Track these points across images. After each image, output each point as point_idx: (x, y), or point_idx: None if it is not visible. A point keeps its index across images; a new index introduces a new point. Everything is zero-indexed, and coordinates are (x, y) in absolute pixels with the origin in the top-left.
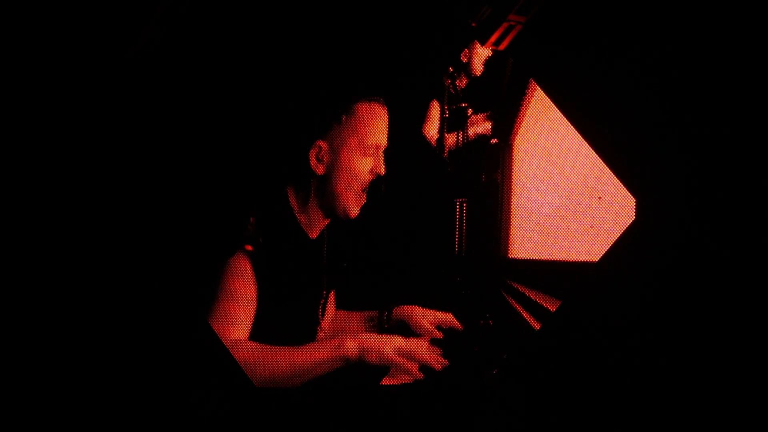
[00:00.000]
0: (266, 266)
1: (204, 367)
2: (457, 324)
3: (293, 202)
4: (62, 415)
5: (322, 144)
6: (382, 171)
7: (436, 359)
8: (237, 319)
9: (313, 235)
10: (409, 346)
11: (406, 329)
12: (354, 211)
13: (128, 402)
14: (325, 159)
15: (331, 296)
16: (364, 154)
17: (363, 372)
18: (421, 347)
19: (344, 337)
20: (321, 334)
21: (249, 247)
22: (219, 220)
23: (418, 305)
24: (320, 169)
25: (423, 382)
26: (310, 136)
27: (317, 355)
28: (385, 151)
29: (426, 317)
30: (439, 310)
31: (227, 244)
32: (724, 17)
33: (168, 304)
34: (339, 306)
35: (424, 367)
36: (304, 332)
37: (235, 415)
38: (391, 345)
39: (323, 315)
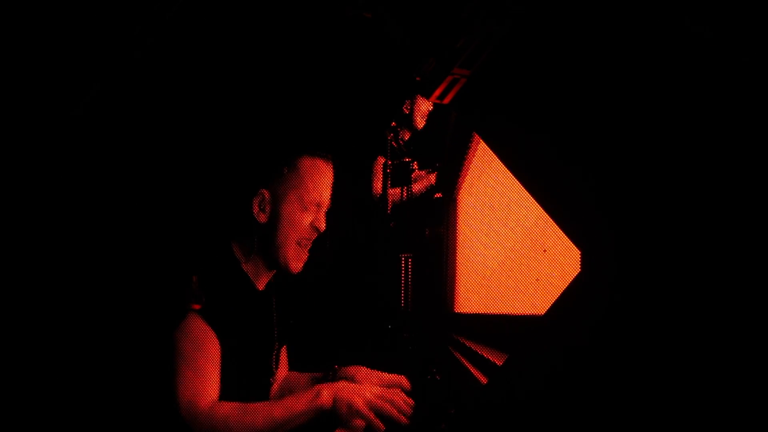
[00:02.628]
0: (219, 322)
1: None
2: (404, 383)
3: (238, 253)
4: None
5: (265, 193)
6: (322, 227)
7: (401, 414)
8: (206, 382)
9: (261, 286)
10: (380, 401)
11: None
12: (295, 266)
13: None
14: (267, 209)
15: (283, 352)
16: (305, 209)
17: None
18: (392, 399)
19: (321, 386)
20: (275, 387)
21: (196, 306)
22: (162, 282)
23: (364, 365)
24: (262, 218)
25: None
26: (254, 183)
27: (295, 407)
28: (330, 206)
29: (370, 378)
30: (386, 371)
31: (176, 307)
32: (667, 74)
33: (128, 380)
34: (290, 363)
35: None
36: (258, 385)
37: None
38: (362, 396)
39: (276, 366)
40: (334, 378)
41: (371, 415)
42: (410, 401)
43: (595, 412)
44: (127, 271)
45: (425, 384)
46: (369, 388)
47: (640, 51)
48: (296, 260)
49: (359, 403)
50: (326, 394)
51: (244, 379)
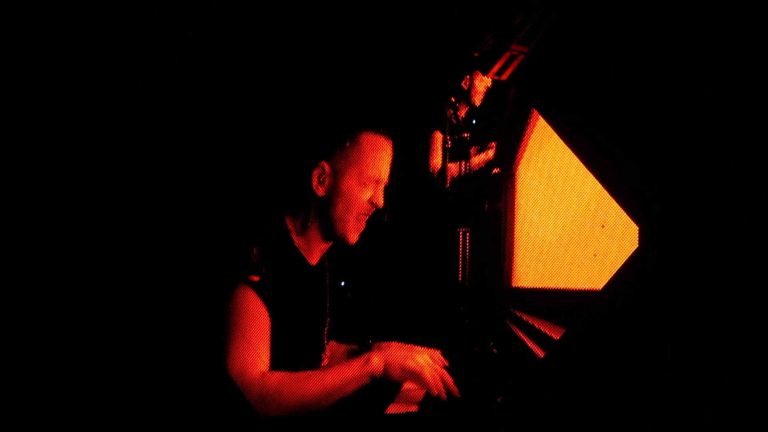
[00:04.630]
0: (272, 297)
1: (233, 405)
2: (439, 358)
3: (291, 227)
4: None
5: (326, 166)
6: (381, 204)
7: (449, 383)
8: (258, 351)
9: (313, 261)
10: (428, 363)
11: None
12: (352, 237)
13: None
14: (326, 182)
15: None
16: (364, 185)
17: (367, 401)
18: (437, 364)
19: (369, 353)
20: (325, 361)
21: (254, 278)
22: (221, 253)
23: (401, 340)
24: (321, 191)
25: (429, 410)
26: (315, 156)
27: (346, 374)
28: (390, 181)
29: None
30: (424, 345)
31: (231, 278)
32: (729, 42)
33: (182, 347)
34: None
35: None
36: (310, 359)
37: None
38: (413, 358)
39: (327, 341)
40: (369, 350)
41: (426, 373)
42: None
43: (652, 386)
44: (183, 242)
45: (483, 357)
46: (418, 351)
47: (701, 24)
48: (354, 232)
49: (412, 363)
50: (377, 359)
51: (296, 354)
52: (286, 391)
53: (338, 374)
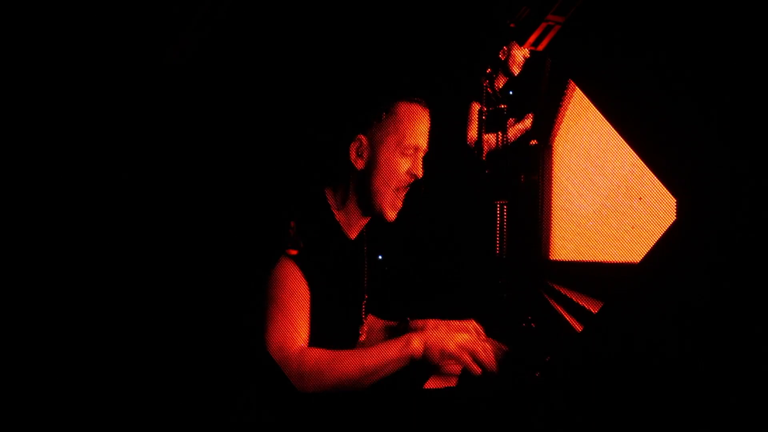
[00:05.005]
0: (311, 269)
1: (271, 379)
2: (477, 332)
3: (332, 201)
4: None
5: (363, 138)
6: (420, 173)
7: (492, 361)
8: (297, 327)
9: (353, 235)
10: (471, 345)
11: None
12: (390, 214)
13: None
14: (365, 154)
15: None
16: (402, 154)
17: (405, 376)
18: (483, 345)
19: (410, 335)
20: (363, 336)
21: (293, 252)
22: (260, 226)
23: (434, 317)
24: (359, 164)
25: (466, 385)
26: (352, 129)
27: (386, 355)
28: (426, 154)
29: (438, 329)
30: (462, 319)
31: (271, 251)
32: None
33: (220, 321)
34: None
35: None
36: (349, 334)
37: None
38: (452, 340)
39: (366, 316)
40: (406, 329)
41: (466, 356)
42: (502, 347)
43: (690, 360)
44: (223, 214)
45: (520, 331)
46: (458, 333)
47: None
48: (392, 208)
49: (452, 347)
50: (417, 342)
51: (334, 328)
52: (326, 368)
53: (378, 355)
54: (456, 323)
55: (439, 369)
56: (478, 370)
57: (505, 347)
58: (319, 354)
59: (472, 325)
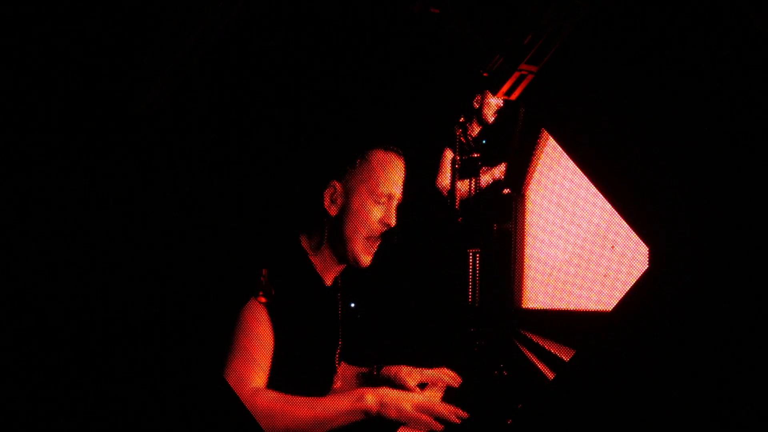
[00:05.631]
0: (282, 315)
1: (222, 419)
2: (449, 380)
3: (306, 246)
4: None
5: (337, 185)
6: (393, 222)
7: (453, 412)
8: (255, 368)
9: (328, 281)
10: (427, 402)
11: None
12: (364, 260)
13: None
14: (338, 201)
15: None
16: (375, 203)
17: (376, 426)
18: (434, 399)
19: (364, 389)
20: (338, 383)
21: (263, 299)
22: (232, 271)
23: (407, 364)
24: (333, 210)
25: None
26: (327, 175)
27: (338, 407)
28: (400, 202)
29: (412, 375)
30: (433, 366)
31: (241, 294)
32: (733, 66)
33: (183, 358)
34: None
35: (442, 421)
36: (322, 381)
37: None
38: (409, 400)
39: (340, 363)
40: (377, 374)
41: (425, 418)
42: (459, 412)
43: (664, 409)
44: (195, 258)
45: (492, 379)
46: (408, 394)
47: (707, 47)
48: (365, 254)
49: (407, 407)
50: (371, 398)
51: (306, 375)
52: (277, 412)
53: (330, 405)
54: (429, 371)
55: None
56: (439, 426)
57: (464, 414)
58: (273, 397)
59: (444, 372)
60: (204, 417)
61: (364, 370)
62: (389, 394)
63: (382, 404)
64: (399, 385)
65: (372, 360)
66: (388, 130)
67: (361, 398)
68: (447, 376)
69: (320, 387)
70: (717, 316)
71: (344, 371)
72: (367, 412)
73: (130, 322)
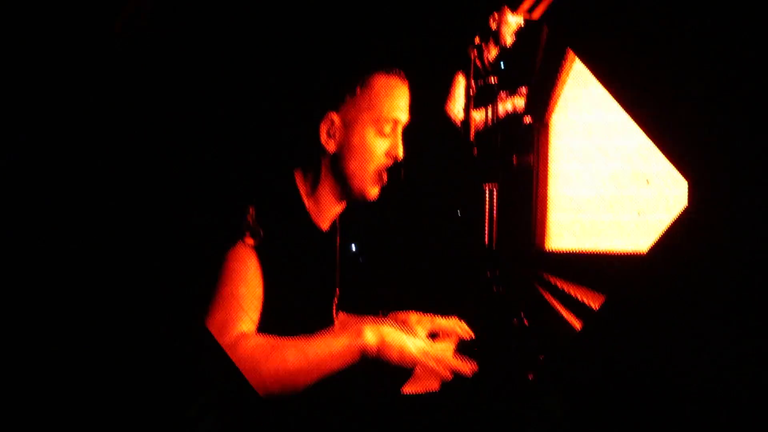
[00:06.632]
0: (272, 262)
1: (205, 372)
2: (462, 329)
3: (301, 187)
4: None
5: (335, 117)
6: (400, 155)
7: (464, 364)
8: (241, 315)
9: (325, 226)
10: (434, 350)
11: None
12: (372, 192)
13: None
14: (337, 135)
15: None
16: (380, 132)
17: (381, 378)
18: (446, 351)
19: (363, 326)
20: None
21: (250, 241)
22: (218, 211)
23: (419, 310)
24: (331, 146)
25: (450, 389)
26: (321, 107)
27: (332, 346)
28: (405, 133)
29: (422, 323)
30: (446, 315)
31: (226, 236)
32: None
33: (164, 304)
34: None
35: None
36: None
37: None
38: (414, 343)
39: (338, 314)
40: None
41: (432, 363)
42: (473, 365)
43: (701, 361)
44: (183, 198)
45: (512, 329)
46: (414, 338)
47: None
48: (374, 186)
49: (411, 349)
50: (370, 334)
51: (300, 330)
52: (261, 357)
53: (323, 345)
54: (442, 320)
55: (417, 370)
56: (449, 376)
57: (474, 366)
58: (257, 342)
59: (457, 323)
60: (185, 370)
61: (368, 318)
62: (392, 333)
63: (383, 343)
64: (407, 333)
65: (376, 308)
66: (390, 52)
67: (359, 335)
68: (460, 328)
69: None
70: (764, 263)
71: (345, 322)
72: (365, 352)
73: (105, 268)
